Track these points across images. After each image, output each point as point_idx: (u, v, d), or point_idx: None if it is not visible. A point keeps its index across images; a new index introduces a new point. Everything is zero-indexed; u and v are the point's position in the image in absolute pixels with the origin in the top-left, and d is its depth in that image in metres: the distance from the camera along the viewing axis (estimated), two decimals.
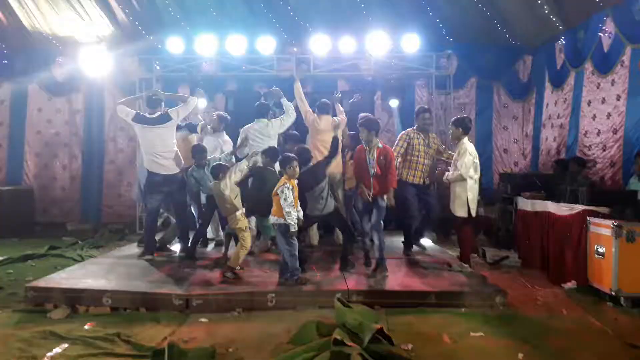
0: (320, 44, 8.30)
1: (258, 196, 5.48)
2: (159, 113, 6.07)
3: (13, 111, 9.76)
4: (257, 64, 8.62)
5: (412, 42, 8.36)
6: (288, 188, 4.70)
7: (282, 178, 4.84)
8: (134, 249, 6.58)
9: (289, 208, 4.66)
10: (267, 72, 8.58)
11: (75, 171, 9.75)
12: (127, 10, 8.96)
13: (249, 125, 6.40)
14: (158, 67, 9.02)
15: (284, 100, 6.45)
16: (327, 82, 9.04)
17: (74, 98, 9.74)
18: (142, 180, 6.81)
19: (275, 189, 4.77)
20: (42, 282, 4.76)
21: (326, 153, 5.57)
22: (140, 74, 9.14)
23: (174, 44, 8.57)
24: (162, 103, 6.28)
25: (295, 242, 4.81)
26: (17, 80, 9.55)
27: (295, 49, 8.74)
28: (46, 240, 7.80)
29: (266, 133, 6.25)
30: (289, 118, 6.40)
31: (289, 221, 4.67)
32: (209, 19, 8.77)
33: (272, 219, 4.84)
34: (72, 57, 9.23)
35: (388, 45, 8.48)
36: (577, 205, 5.11)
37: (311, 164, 5.34)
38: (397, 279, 4.96)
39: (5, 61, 9.62)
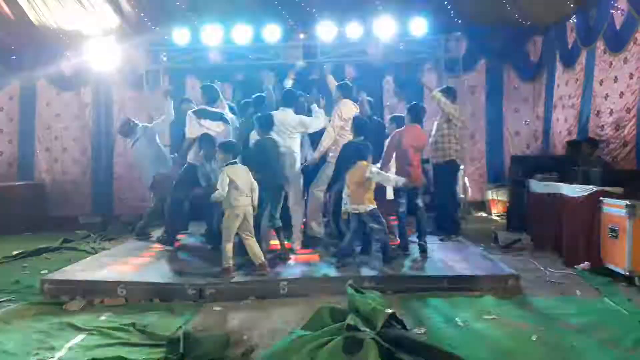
0: (327, 31, 8.24)
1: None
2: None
3: (22, 107, 9.80)
4: (264, 53, 8.58)
5: (420, 26, 8.26)
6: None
7: (364, 162, 4.93)
8: (146, 240, 6.63)
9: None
10: (274, 60, 8.53)
11: (86, 165, 9.80)
12: (132, 2, 8.92)
13: (274, 112, 5.82)
14: (165, 59, 9.02)
15: (314, 106, 6.04)
16: (335, 69, 8.94)
17: (82, 92, 9.76)
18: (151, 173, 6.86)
19: (365, 175, 4.87)
20: (58, 275, 4.82)
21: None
22: (147, 65, 9.14)
23: (181, 35, 8.55)
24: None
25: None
26: (26, 76, 9.60)
27: (302, 36, 8.68)
28: (59, 234, 7.87)
29: (288, 126, 5.65)
30: (319, 122, 5.87)
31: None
32: (214, 9, 8.70)
33: (363, 207, 4.91)
34: (79, 51, 9.25)
35: (396, 29, 8.40)
36: (590, 187, 5.05)
37: None
38: (409, 264, 4.95)
39: (14, 57, 9.67)
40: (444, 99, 5.99)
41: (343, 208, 5.10)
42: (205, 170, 5.92)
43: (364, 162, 4.96)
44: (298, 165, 5.75)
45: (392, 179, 5.10)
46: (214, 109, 6.13)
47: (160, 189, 6.76)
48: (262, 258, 4.79)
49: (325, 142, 5.67)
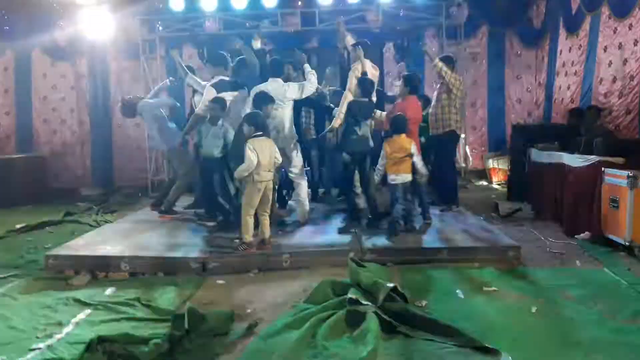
0: None
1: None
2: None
3: (17, 78, 9.69)
4: (261, 20, 8.41)
5: None
6: None
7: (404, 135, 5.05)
8: (148, 212, 6.64)
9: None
10: (272, 28, 8.38)
11: (85, 136, 9.75)
12: None
13: (261, 85, 5.48)
14: (160, 28, 8.88)
15: (307, 66, 5.79)
16: (334, 36, 8.78)
17: (78, 62, 9.62)
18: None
19: (410, 151, 5.00)
20: (62, 250, 4.85)
21: None
22: (142, 35, 9.01)
23: (176, 3, 8.38)
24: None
25: None
26: (20, 46, 9.44)
27: (300, 2, 8.50)
28: (61, 207, 7.90)
29: (280, 96, 5.39)
30: (311, 85, 5.58)
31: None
32: None
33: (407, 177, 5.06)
34: (73, 20, 9.05)
35: None
36: (592, 157, 5.04)
37: None
38: (410, 235, 4.99)
39: (7, 27, 9.48)
40: (446, 68, 5.88)
41: (376, 178, 5.22)
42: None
43: (405, 136, 5.05)
44: (290, 134, 5.53)
45: (422, 167, 5.17)
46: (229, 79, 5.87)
47: (175, 163, 6.65)
48: (267, 234, 4.77)
49: (344, 107, 5.41)
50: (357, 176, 5.33)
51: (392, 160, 5.04)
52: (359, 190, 5.37)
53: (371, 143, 5.29)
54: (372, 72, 5.73)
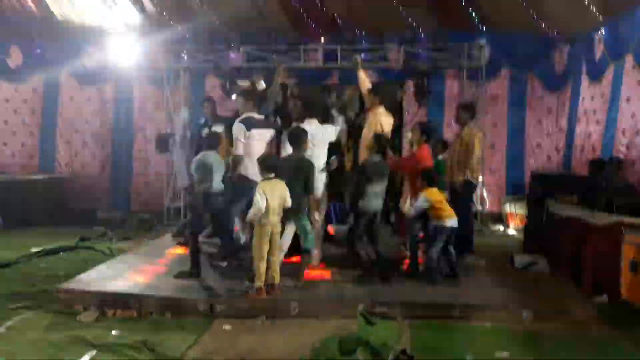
0: (348, 35, 8.17)
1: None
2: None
3: (46, 100, 9.93)
4: (284, 55, 8.52)
5: (443, 32, 8.14)
6: None
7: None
8: (162, 242, 6.69)
9: None
10: (294, 63, 8.47)
11: (105, 160, 9.90)
12: (154, 1, 8.93)
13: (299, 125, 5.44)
14: (186, 57, 9.03)
15: (334, 111, 5.91)
16: (354, 73, 8.85)
17: (104, 87, 9.83)
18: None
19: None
20: (72, 284, 4.88)
21: None
22: (168, 63, 9.17)
23: (201, 34, 8.54)
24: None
25: None
26: (49, 70, 9.70)
27: (322, 39, 8.59)
28: (77, 228, 8.02)
29: (317, 138, 5.34)
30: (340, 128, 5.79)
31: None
32: (237, 11, 8.64)
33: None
34: (102, 46, 9.29)
35: (418, 35, 8.30)
36: (612, 216, 4.92)
37: None
38: (422, 288, 4.90)
39: (38, 50, 9.77)
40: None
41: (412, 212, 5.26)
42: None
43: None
44: (319, 175, 5.42)
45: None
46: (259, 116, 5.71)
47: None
48: (277, 279, 4.70)
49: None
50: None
51: (436, 207, 5.10)
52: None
53: (381, 202, 5.23)
54: (387, 121, 5.72)
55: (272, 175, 4.66)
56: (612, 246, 4.84)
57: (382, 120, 5.65)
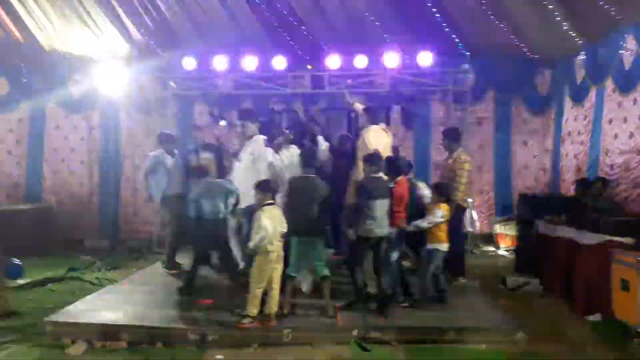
0: (334, 61, 8.29)
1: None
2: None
3: (31, 129, 9.84)
4: (272, 82, 8.62)
5: (428, 57, 8.31)
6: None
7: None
8: (151, 270, 6.60)
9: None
10: (282, 90, 8.56)
11: (93, 188, 9.80)
12: (142, 30, 9.01)
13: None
14: (173, 85, 9.07)
15: (320, 138, 5.97)
16: (341, 99, 8.98)
17: (91, 115, 9.78)
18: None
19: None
20: (61, 316, 4.78)
21: None
22: (155, 91, 9.22)
23: (189, 62, 8.63)
24: None
25: None
26: (35, 99, 9.65)
27: (309, 66, 8.70)
28: (66, 258, 7.89)
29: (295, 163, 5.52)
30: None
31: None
32: (223, 38, 8.76)
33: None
34: (88, 74, 9.30)
35: (403, 60, 8.45)
36: (600, 235, 4.98)
37: None
38: (415, 313, 4.87)
39: (24, 80, 9.73)
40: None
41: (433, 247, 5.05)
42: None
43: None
44: None
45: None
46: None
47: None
48: (275, 308, 4.60)
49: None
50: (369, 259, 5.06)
51: (442, 228, 5.01)
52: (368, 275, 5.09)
53: (387, 227, 4.86)
54: (382, 141, 5.69)
55: (272, 201, 4.66)
56: (602, 265, 4.89)
57: (370, 135, 5.64)
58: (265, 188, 4.70)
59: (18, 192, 9.87)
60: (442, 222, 4.99)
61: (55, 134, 9.85)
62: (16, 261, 6.82)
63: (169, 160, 6.92)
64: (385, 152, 5.58)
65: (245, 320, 4.52)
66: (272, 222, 4.50)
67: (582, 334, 4.64)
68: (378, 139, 5.73)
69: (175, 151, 7.09)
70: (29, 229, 8.76)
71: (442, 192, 5.10)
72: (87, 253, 8.56)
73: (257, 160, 5.71)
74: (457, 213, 5.97)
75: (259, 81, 8.65)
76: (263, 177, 5.19)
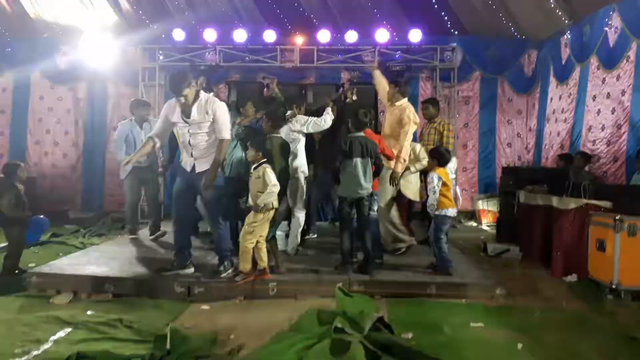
0: (325, 36, 8.33)
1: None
2: None
3: (15, 99, 9.71)
4: (261, 55, 8.63)
5: (417, 35, 8.40)
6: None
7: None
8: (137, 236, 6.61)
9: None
10: (271, 63, 8.57)
11: (76, 160, 9.73)
12: (131, 1, 8.93)
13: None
14: (161, 57, 9.03)
15: (328, 109, 5.74)
16: (331, 74, 9.03)
17: (77, 87, 9.68)
18: None
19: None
20: (45, 269, 4.78)
21: None
22: (143, 63, 9.16)
23: (178, 34, 8.59)
24: None
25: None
26: (20, 68, 9.52)
27: (299, 41, 8.72)
28: (49, 228, 7.81)
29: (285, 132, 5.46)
30: (323, 124, 5.61)
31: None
32: (213, 10, 8.74)
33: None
34: (75, 45, 9.20)
35: (393, 37, 8.51)
36: (580, 199, 5.11)
37: None
38: (398, 269, 4.96)
39: (9, 49, 9.59)
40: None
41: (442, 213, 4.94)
42: None
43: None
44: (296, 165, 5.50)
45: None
46: None
47: None
48: (266, 263, 4.62)
49: (405, 153, 5.33)
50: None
51: (443, 192, 4.95)
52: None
53: (370, 186, 4.82)
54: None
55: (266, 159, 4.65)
56: (580, 228, 5.03)
57: (413, 111, 5.51)
58: (261, 145, 4.67)
59: (1, 162, 9.74)
60: (441, 187, 4.91)
61: (40, 104, 9.73)
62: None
63: (137, 130, 6.49)
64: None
65: (239, 277, 4.51)
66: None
67: (558, 291, 4.78)
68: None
69: (151, 118, 6.83)
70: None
71: (437, 156, 5.05)
72: (71, 224, 8.51)
73: None
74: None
75: (248, 54, 8.65)
76: None
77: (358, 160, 4.74)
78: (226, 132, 4.58)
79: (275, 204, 4.60)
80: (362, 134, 4.91)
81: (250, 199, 4.66)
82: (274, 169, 4.68)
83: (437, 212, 4.94)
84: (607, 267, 4.55)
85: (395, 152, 5.27)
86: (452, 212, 4.99)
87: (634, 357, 3.34)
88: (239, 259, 4.58)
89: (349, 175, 4.77)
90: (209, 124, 4.55)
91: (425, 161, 5.61)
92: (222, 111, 4.58)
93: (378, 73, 6.20)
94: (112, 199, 9.67)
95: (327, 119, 5.61)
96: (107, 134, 9.64)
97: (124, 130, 6.51)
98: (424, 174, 5.68)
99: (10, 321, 3.84)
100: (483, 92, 9.22)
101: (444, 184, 4.91)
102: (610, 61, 6.67)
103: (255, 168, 4.62)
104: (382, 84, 6.03)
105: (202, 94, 4.62)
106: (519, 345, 3.42)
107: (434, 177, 4.92)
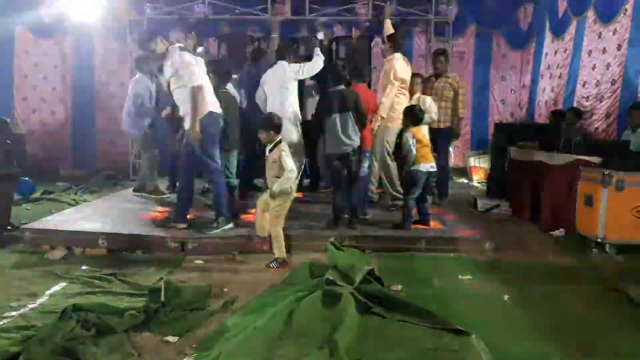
0: None
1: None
2: None
3: None
4: (252, 7, 8.40)
5: None
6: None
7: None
8: (128, 193, 6.59)
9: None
10: (262, 15, 8.36)
11: (65, 116, 9.60)
12: None
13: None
14: (149, 10, 8.76)
15: (317, 50, 5.65)
16: (323, 27, 8.83)
17: (62, 41, 9.46)
18: None
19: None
20: (39, 224, 4.80)
21: None
22: (131, 16, 8.88)
23: None
24: None
25: None
26: (3, 22, 9.22)
27: None
28: (40, 186, 7.78)
29: (281, 81, 5.39)
30: (315, 65, 5.47)
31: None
32: None
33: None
34: None
35: None
36: (570, 155, 5.14)
37: None
38: (389, 224, 5.02)
39: None
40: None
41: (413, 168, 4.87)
42: None
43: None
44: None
45: None
46: None
47: None
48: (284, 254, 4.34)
49: (383, 110, 5.32)
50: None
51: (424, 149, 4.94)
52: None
53: (355, 141, 4.79)
54: (402, 68, 5.65)
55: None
56: (569, 184, 5.08)
57: (396, 65, 5.52)
58: (273, 123, 4.28)
59: None
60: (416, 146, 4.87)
61: (25, 59, 9.50)
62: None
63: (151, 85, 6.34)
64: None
65: (274, 264, 4.18)
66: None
67: (545, 246, 4.88)
68: (404, 69, 5.65)
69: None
70: None
71: (410, 115, 4.99)
72: (63, 181, 8.47)
73: None
74: (451, 134, 6.30)
75: (238, 6, 8.42)
76: None
77: (337, 117, 4.69)
78: (190, 80, 4.48)
79: (294, 187, 4.33)
80: (342, 87, 4.86)
81: (268, 184, 4.36)
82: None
83: (410, 168, 4.89)
84: (594, 221, 4.63)
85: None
86: (424, 167, 4.86)
87: (614, 306, 3.44)
88: (274, 247, 4.24)
89: (330, 132, 4.74)
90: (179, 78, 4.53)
91: (434, 115, 5.75)
92: (177, 59, 4.54)
93: (388, 22, 6.31)
94: (105, 157, 9.62)
95: (317, 60, 5.53)
96: (94, 90, 9.48)
97: (144, 81, 6.29)
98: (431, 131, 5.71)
99: (5, 276, 3.89)
100: (478, 48, 9.13)
101: (419, 141, 4.90)
102: (607, 14, 6.54)
103: (270, 150, 4.26)
104: (389, 32, 6.13)
105: (171, 48, 4.60)
106: (505, 297, 3.51)
107: (408, 137, 4.88)
